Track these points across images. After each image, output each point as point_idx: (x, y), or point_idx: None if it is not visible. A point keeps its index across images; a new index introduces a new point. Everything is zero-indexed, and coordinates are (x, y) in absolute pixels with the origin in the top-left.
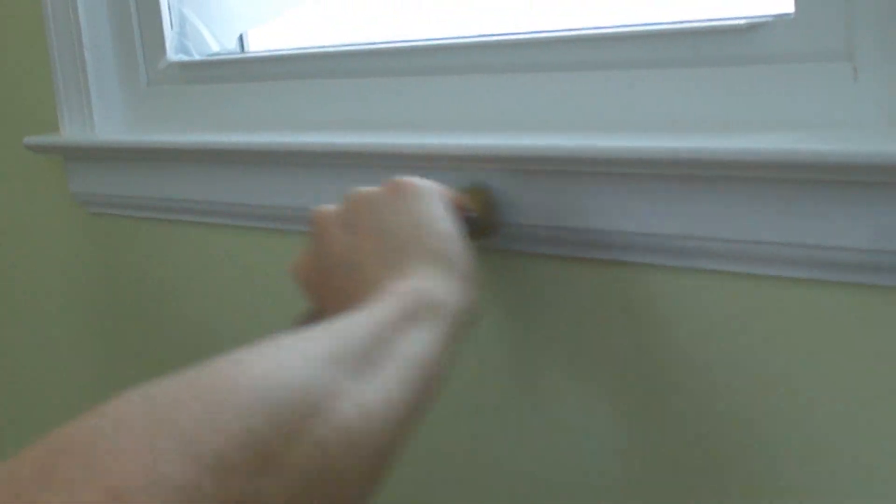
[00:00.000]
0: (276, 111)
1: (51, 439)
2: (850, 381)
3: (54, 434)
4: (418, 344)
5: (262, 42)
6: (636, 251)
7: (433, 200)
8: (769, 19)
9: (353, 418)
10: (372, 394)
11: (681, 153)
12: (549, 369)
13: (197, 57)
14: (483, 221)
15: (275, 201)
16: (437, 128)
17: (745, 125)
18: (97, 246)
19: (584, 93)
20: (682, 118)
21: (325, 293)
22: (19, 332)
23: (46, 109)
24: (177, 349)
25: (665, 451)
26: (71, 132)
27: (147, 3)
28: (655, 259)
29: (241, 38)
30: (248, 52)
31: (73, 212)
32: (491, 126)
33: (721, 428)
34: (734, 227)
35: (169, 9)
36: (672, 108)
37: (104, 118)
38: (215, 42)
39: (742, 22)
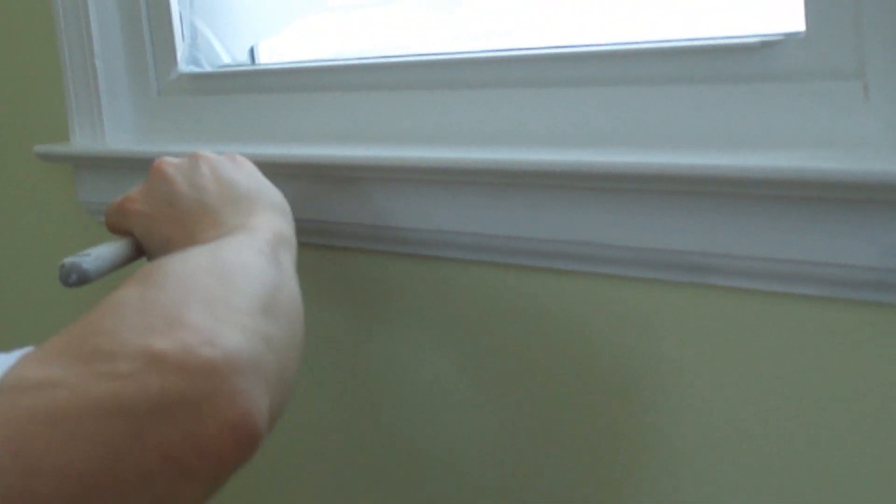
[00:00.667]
0: (286, 123)
1: (80, 322)
2: (857, 398)
3: (83, 318)
4: (290, 266)
5: (272, 54)
6: (638, 266)
7: (255, 168)
8: (780, 38)
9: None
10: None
11: (689, 169)
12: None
13: (208, 68)
14: None
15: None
16: (451, 141)
17: (755, 142)
18: None
19: (592, 109)
20: (693, 135)
21: (165, 223)
22: (27, 340)
23: (57, 118)
24: None
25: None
26: (81, 141)
27: (158, 15)
28: (667, 275)
29: (251, 50)
30: (259, 64)
31: (82, 220)
32: (500, 139)
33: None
34: (742, 243)
35: (180, 20)
36: (684, 124)
37: (114, 128)
38: (226, 54)
39: (754, 40)
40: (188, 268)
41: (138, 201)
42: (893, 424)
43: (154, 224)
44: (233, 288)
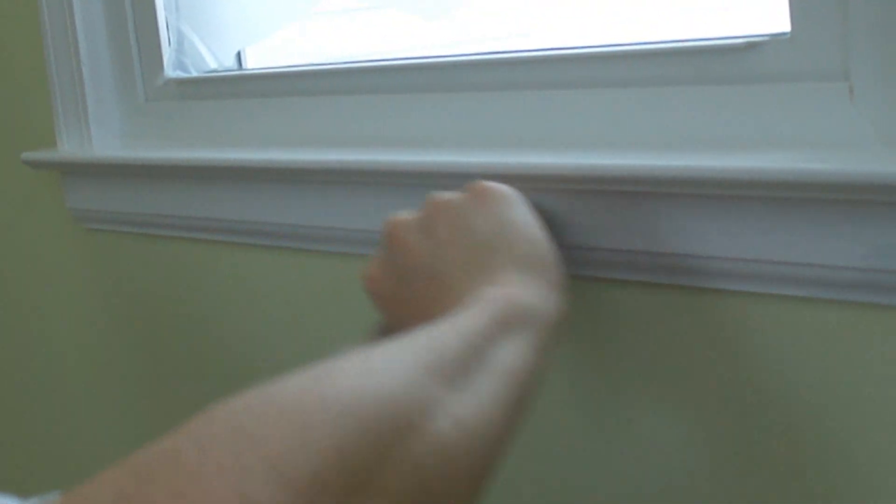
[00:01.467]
0: (274, 128)
1: (131, 462)
2: (846, 400)
3: (134, 457)
4: (512, 354)
5: (260, 59)
6: (622, 269)
7: (519, 205)
8: (766, 39)
9: (450, 434)
10: (468, 408)
11: (675, 171)
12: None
13: (194, 73)
14: None
15: (272, 218)
16: (437, 145)
17: (740, 143)
18: (93, 261)
19: (577, 111)
20: (679, 136)
21: (401, 304)
22: (16, 347)
23: (44, 125)
24: (176, 364)
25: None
26: (68, 148)
27: (145, 20)
28: (653, 278)
29: (238, 55)
30: (246, 69)
31: (70, 227)
32: (487, 143)
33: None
34: (728, 244)
35: (167, 26)
36: (670, 126)
37: (101, 134)
38: (213, 59)
39: (740, 41)
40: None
41: (377, 280)
42: (882, 427)
43: (398, 308)
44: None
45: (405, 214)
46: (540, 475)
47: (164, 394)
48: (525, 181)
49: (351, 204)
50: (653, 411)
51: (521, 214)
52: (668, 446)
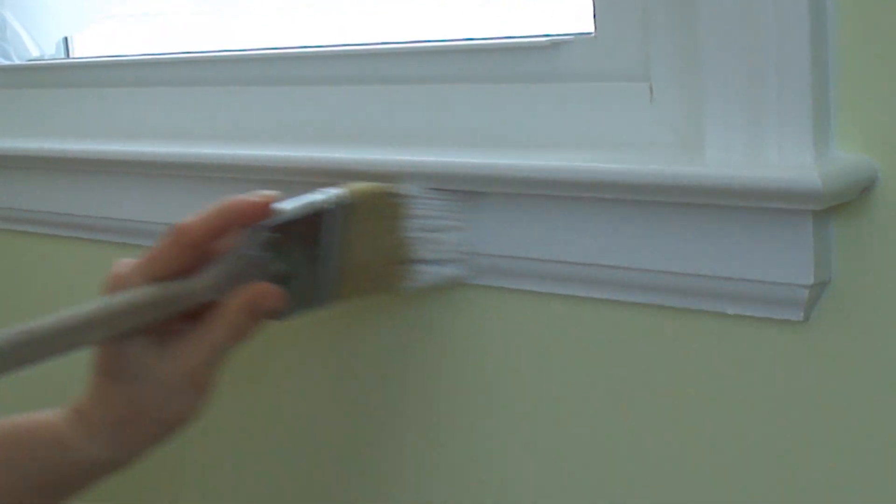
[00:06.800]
0: (98, 118)
1: None
2: (642, 402)
3: None
4: None
5: (88, 48)
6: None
7: None
8: (570, 38)
9: None
10: None
11: (480, 168)
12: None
13: (16, 61)
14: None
15: (89, 210)
16: (253, 138)
17: (543, 142)
18: None
19: (376, 107)
20: (482, 134)
21: None
22: None
23: None
24: None
25: None
26: None
27: None
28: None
29: (65, 43)
30: (69, 58)
31: None
32: (292, 137)
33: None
34: (513, 243)
35: None
36: (474, 124)
37: None
38: (35, 46)
39: (544, 40)
40: None
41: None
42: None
43: None
44: None
45: None
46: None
47: None
48: (301, 174)
49: (168, 195)
50: None
51: None
52: None
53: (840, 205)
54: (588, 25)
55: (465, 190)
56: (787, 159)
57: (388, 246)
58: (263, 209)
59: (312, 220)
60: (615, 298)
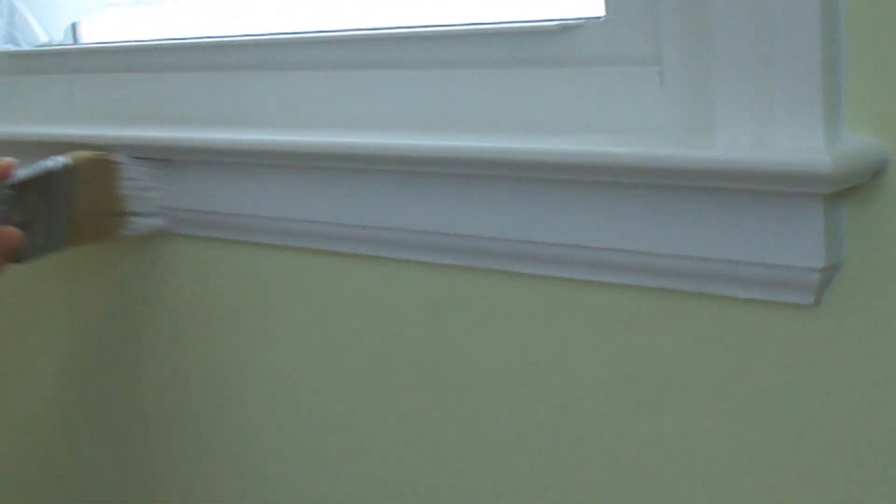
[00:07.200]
0: (106, 103)
1: None
2: (631, 386)
3: None
4: None
5: (97, 33)
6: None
7: None
8: (580, 22)
9: None
10: None
11: (487, 152)
12: None
13: (25, 47)
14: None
15: None
16: (267, 123)
17: (553, 127)
18: None
19: (389, 92)
20: (493, 119)
21: None
22: None
23: None
24: None
25: None
26: None
27: None
28: (471, 262)
29: (73, 29)
30: (77, 44)
31: None
32: (311, 123)
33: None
34: (535, 228)
35: None
36: (484, 108)
37: None
38: (44, 32)
39: (554, 24)
40: None
41: None
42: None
43: None
44: None
45: None
46: None
47: None
48: (347, 161)
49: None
50: None
51: None
52: None
53: (851, 188)
54: (598, 9)
55: (479, 175)
56: (798, 143)
57: (106, 200)
58: (4, 171)
59: (44, 179)
60: (626, 283)
